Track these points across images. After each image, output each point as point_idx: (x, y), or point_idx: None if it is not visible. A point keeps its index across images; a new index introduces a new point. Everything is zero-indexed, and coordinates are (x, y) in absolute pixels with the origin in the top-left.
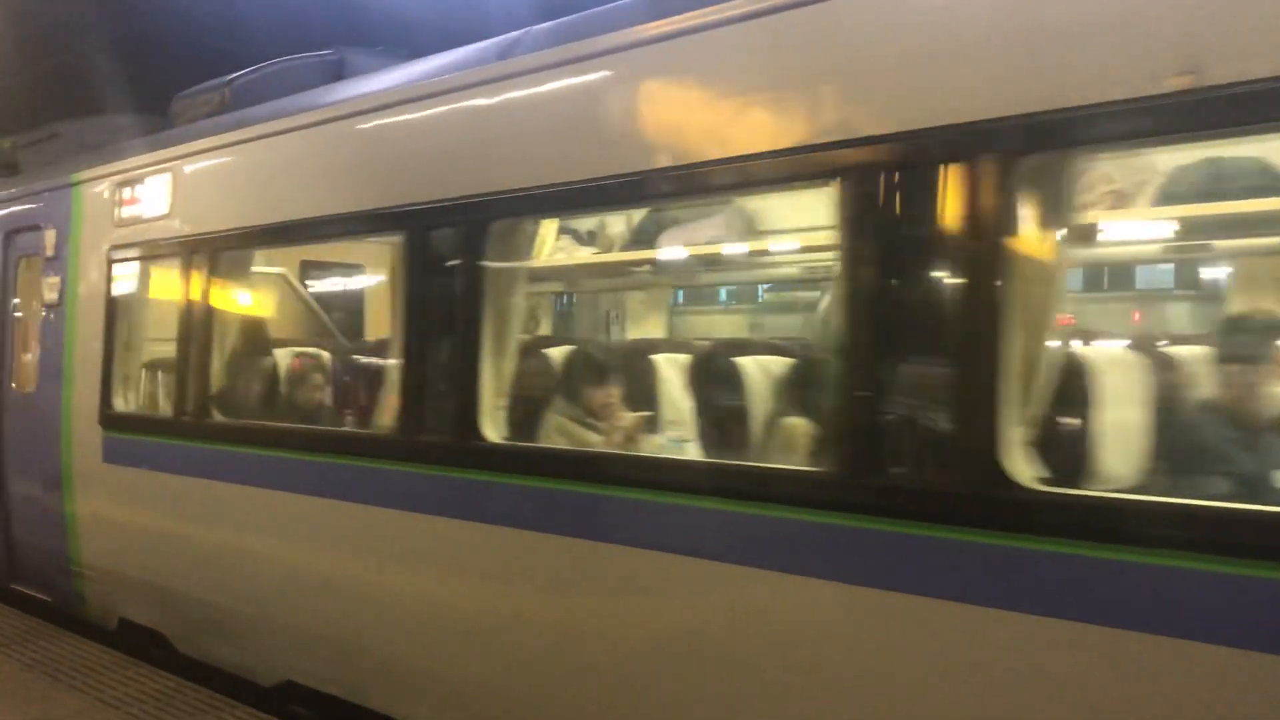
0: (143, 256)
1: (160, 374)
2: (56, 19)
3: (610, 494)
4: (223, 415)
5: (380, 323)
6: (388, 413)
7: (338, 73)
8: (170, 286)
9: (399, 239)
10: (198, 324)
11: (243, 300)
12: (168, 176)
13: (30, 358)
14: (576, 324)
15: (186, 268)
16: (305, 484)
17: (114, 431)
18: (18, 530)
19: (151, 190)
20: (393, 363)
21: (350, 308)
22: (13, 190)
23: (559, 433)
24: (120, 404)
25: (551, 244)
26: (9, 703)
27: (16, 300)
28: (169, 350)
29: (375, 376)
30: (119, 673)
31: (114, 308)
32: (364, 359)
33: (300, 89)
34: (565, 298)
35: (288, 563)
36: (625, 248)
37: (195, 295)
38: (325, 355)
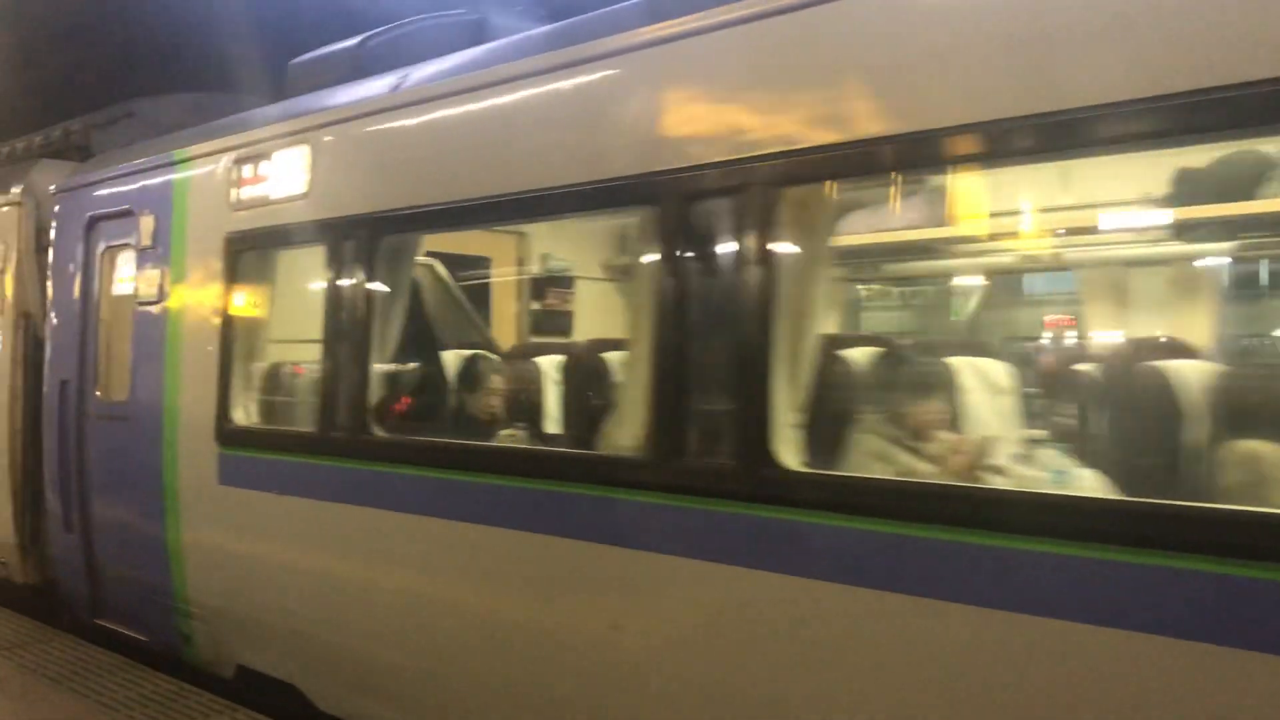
0: (270, 244)
1: (294, 381)
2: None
3: (994, 544)
4: (387, 430)
5: (593, 318)
6: (625, 430)
7: (477, 33)
8: (309, 278)
9: (646, 214)
10: (350, 322)
11: (410, 293)
12: (304, 150)
13: (120, 362)
14: (900, 317)
15: (335, 256)
16: (502, 515)
17: (234, 449)
18: (104, 559)
19: (282, 167)
20: (632, 366)
21: (530, 302)
22: (93, 173)
23: (876, 458)
24: (241, 417)
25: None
26: (10, 706)
27: (101, 297)
28: (305, 353)
29: (599, 384)
30: (120, 675)
31: (232, 304)
32: (581, 362)
33: (440, 50)
34: (888, 285)
35: (484, 611)
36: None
37: (347, 288)
38: (524, 359)
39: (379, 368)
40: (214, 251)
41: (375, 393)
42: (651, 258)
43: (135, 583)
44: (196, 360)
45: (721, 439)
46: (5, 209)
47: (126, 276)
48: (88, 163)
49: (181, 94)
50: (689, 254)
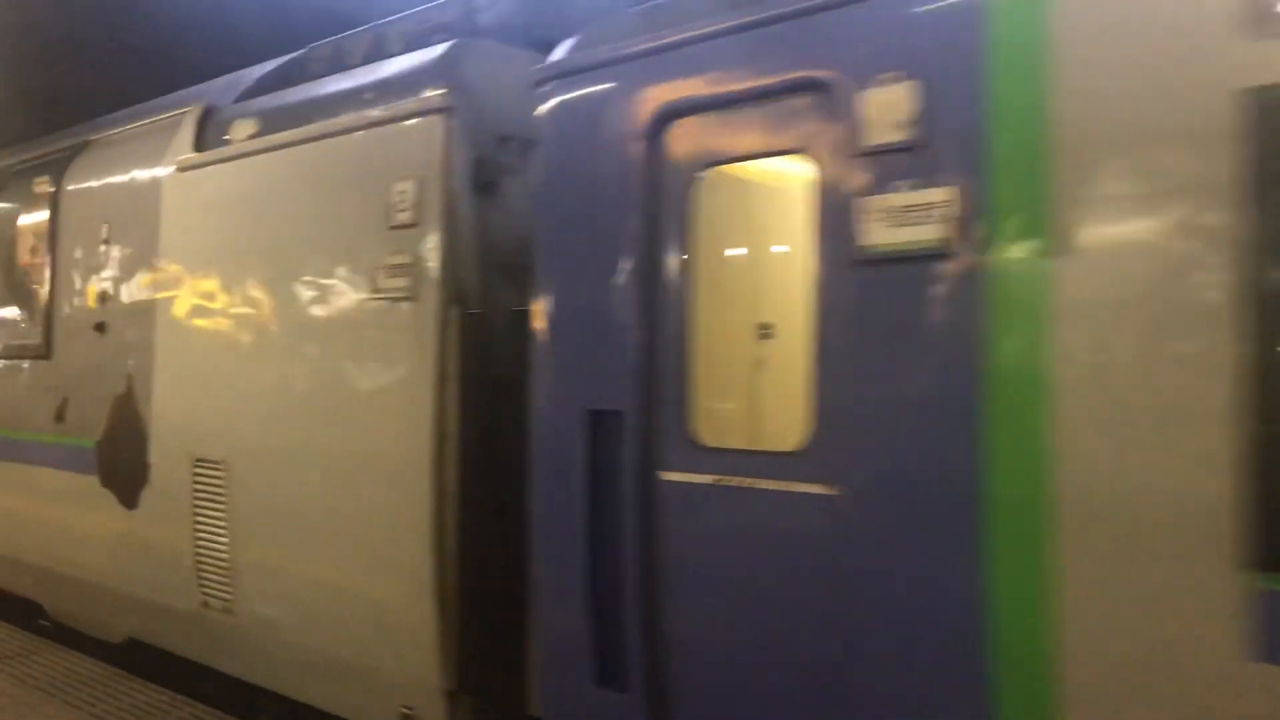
0: None
1: None
2: None
3: None
4: None
5: None
6: None
7: None
8: None
9: None
10: None
11: None
12: None
13: (760, 378)
14: None
15: None
16: None
17: None
18: None
19: None
20: None
21: None
22: (658, 35)
23: None
24: None
25: None
26: (3, 718)
27: (694, 257)
28: None
29: None
30: (112, 687)
31: None
32: None
33: None
34: None
35: None
36: None
37: None
38: None
39: None
40: (1172, 134)
41: None
42: None
43: None
44: (1132, 375)
45: None
46: (413, 122)
47: (776, 215)
48: (602, 26)
49: None
50: None
